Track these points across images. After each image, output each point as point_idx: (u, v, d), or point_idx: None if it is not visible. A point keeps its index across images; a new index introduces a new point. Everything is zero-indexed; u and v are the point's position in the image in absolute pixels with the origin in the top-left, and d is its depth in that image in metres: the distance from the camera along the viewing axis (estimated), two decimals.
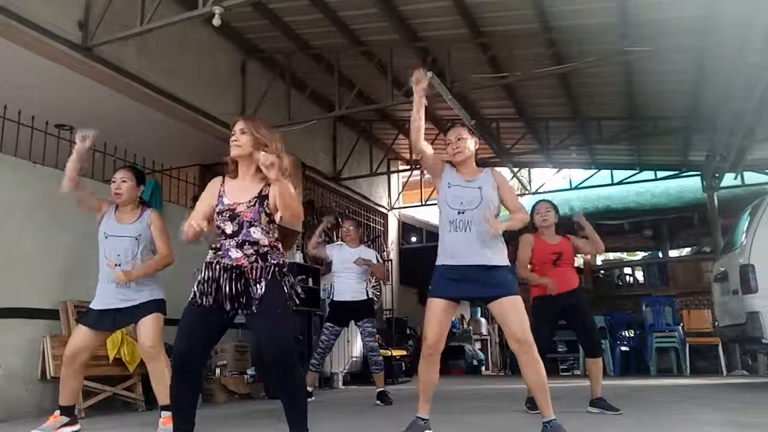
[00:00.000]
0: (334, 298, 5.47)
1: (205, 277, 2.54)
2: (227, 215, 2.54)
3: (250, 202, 2.54)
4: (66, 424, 3.50)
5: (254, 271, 2.50)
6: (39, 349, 4.51)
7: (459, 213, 3.07)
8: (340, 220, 5.47)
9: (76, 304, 4.68)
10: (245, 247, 2.52)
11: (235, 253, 2.52)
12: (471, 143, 3.19)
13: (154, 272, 3.53)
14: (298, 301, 2.60)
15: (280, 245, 2.63)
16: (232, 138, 2.60)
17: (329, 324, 5.39)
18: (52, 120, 5.38)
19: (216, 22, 4.72)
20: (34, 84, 5.59)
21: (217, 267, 2.53)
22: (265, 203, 2.55)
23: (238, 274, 2.50)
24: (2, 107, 4.89)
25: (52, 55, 5.23)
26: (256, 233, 2.52)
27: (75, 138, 3.47)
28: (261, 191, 2.57)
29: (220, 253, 2.56)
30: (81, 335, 3.48)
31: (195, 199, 2.75)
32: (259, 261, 2.52)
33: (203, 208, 2.60)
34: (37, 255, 4.65)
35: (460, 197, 3.10)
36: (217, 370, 5.86)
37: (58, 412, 3.53)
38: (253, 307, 2.48)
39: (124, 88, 5.92)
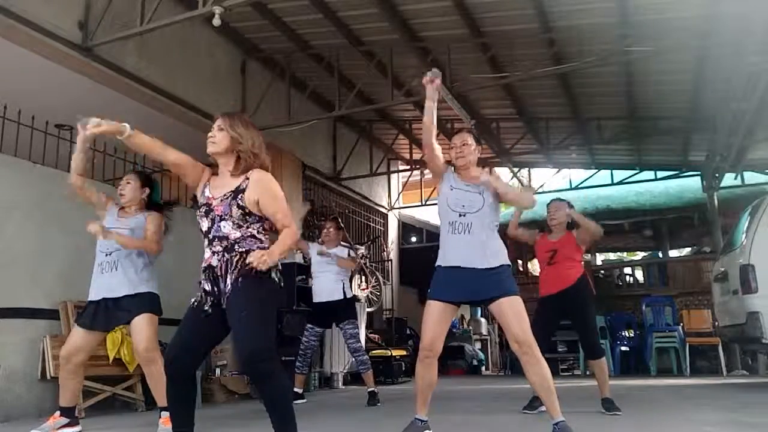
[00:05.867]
0: (313, 300, 5.56)
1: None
2: (204, 210, 2.55)
3: (224, 196, 2.52)
4: (66, 425, 3.51)
5: (222, 266, 2.46)
6: (39, 349, 4.51)
7: (460, 216, 3.10)
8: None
9: (76, 304, 4.67)
10: (215, 243, 2.49)
11: (207, 253, 2.51)
12: (474, 150, 3.26)
13: (133, 247, 3.56)
14: (280, 284, 2.50)
15: (260, 237, 2.52)
16: (209, 134, 2.57)
17: (310, 325, 5.46)
18: (52, 120, 5.37)
19: (216, 22, 4.72)
20: (35, 84, 5.59)
21: (203, 271, 2.54)
22: (240, 197, 2.49)
23: (209, 273, 2.49)
24: (2, 107, 4.89)
25: (52, 55, 5.24)
26: (225, 228, 2.48)
27: (77, 131, 3.47)
28: (238, 186, 2.52)
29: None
30: (76, 336, 3.52)
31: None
32: (226, 254, 2.46)
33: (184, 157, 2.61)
34: (37, 255, 4.66)
35: (462, 200, 3.14)
36: (217, 370, 5.86)
37: (58, 412, 3.54)
38: (223, 303, 2.44)
39: (124, 88, 5.92)
